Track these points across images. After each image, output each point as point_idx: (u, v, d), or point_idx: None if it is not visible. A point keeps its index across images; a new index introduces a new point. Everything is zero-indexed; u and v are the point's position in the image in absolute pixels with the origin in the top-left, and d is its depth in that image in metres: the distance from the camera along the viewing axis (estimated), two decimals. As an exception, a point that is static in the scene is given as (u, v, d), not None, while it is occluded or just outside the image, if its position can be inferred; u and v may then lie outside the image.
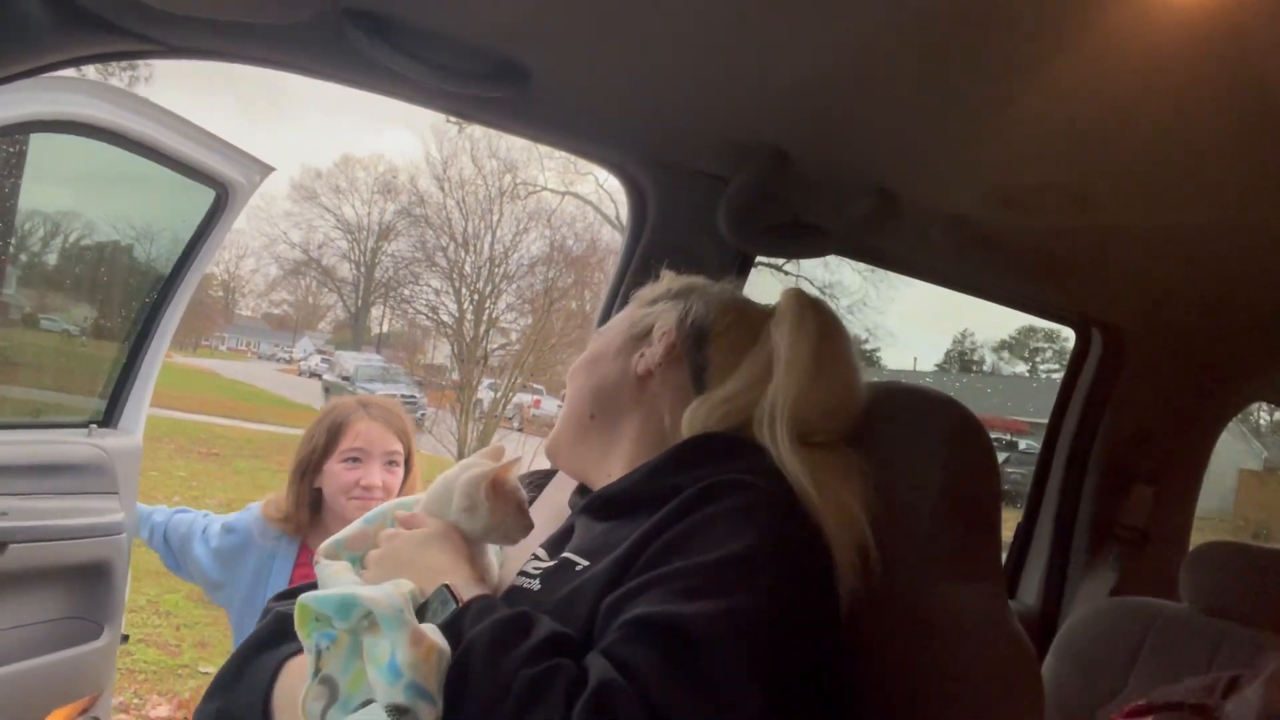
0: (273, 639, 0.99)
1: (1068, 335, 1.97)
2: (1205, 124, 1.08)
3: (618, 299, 1.52)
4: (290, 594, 1.12)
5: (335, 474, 1.87)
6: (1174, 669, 1.76)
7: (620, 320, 1.15)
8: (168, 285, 2.04)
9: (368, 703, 0.80)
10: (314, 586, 1.06)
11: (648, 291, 1.17)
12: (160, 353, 2.03)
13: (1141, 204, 1.36)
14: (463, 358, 10.86)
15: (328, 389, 11.27)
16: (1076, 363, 2.00)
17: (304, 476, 1.88)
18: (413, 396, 11.41)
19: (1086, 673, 1.88)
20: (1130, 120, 1.13)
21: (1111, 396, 1.96)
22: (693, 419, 1.03)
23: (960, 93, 1.14)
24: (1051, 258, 1.67)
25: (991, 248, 1.61)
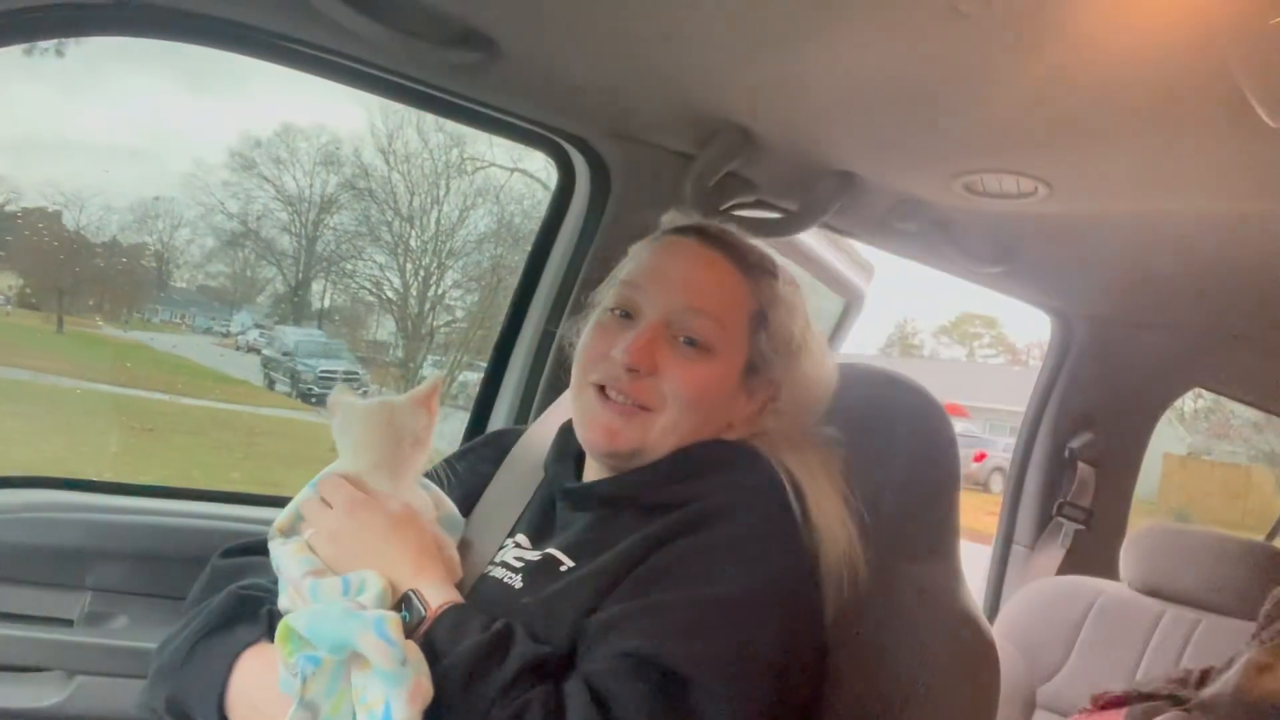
0: (224, 623, 0.95)
1: (1004, 321, 2.01)
2: (1169, 114, 1.09)
3: (579, 280, 1.50)
4: (238, 551, 1.07)
5: None
6: (1113, 647, 1.82)
7: (738, 338, 1.00)
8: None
9: None
10: (259, 548, 1.03)
11: (764, 299, 1.02)
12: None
13: (1090, 191, 1.39)
14: (408, 334, 10.73)
15: (267, 364, 11.03)
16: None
17: None
18: (355, 373, 11.23)
19: (1028, 651, 1.92)
20: (1093, 110, 1.14)
21: (1059, 380, 2.00)
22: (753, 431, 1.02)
23: (927, 79, 1.14)
24: (1005, 244, 1.70)
25: (949, 231, 1.63)
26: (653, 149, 1.44)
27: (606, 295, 1.05)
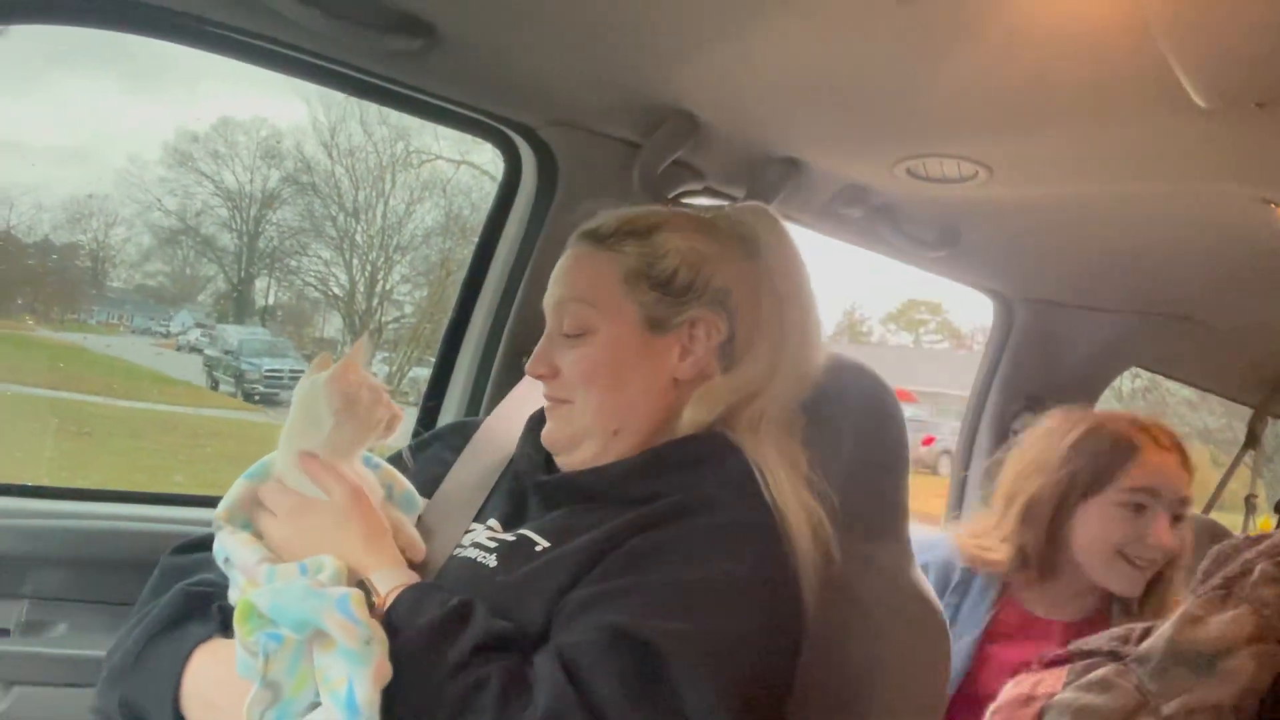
0: (174, 621, 0.93)
1: (949, 307, 2.05)
2: (1104, 97, 1.12)
3: (528, 270, 1.49)
4: (189, 548, 1.05)
5: (1103, 518, 1.41)
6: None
7: (615, 305, 1.01)
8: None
9: (314, 705, 0.77)
10: (208, 544, 1.01)
11: (634, 258, 1.02)
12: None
13: (1030, 173, 1.41)
14: (355, 331, 10.59)
15: (210, 364, 10.80)
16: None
17: (1053, 511, 1.43)
18: (301, 371, 10.97)
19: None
20: (1030, 94, 1.16)
21: (1001, 363, 2.04)
22: (698, 408, 1.00)
23: (870, 66, 1.15)
24: (947, 227, 1.72)
25: (893, 218, 1.65)
26: (599, 137, 1.44)
27: None
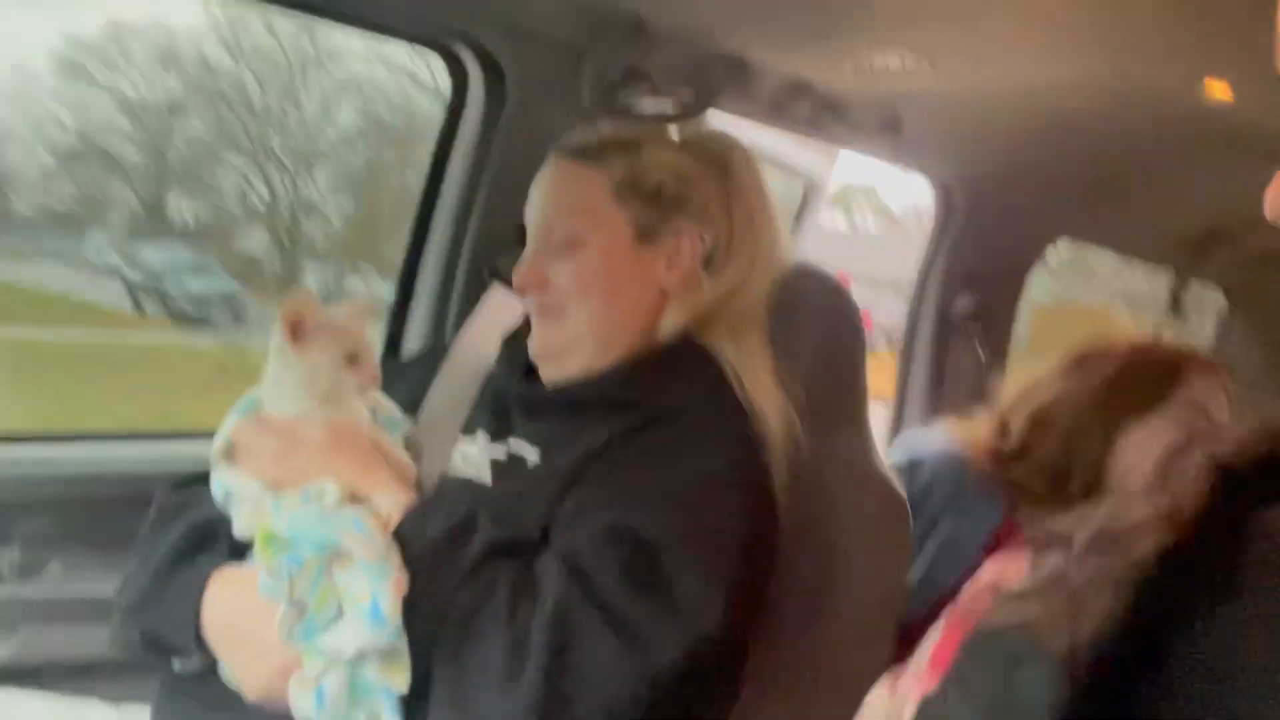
0: (186, 554, 0.97)
1: (882, 191, 2.10)
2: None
3: (483, 188, 1.48)
4: (185, 484, 1.08)
5: (1153, 439, 1.35)
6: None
7: (606, 218, 1.04)
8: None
9: (336, 619, 0.82)
10: (204, 479, 1.04)
11: (622, 171, 1.04)
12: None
13: (972, 63, 1.45)
14: (282, 245, 10.26)
15: (131, 288, 10.42)
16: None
17: (1103, 435, 1.37)
18: (231, 289, 10.75)
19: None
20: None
21: (943, 245, 2.12)
22: (679, 312, 1.05)
23: None
24: (890, 117, 1.75)
25: (839, 111, 1.67)
26: (545, 46, 1.42)
27: None
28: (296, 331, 0.97)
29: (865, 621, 1.11)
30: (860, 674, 1.11)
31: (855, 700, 1.11)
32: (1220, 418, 1.38)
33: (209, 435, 1.51)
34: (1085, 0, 1.17)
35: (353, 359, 0.98)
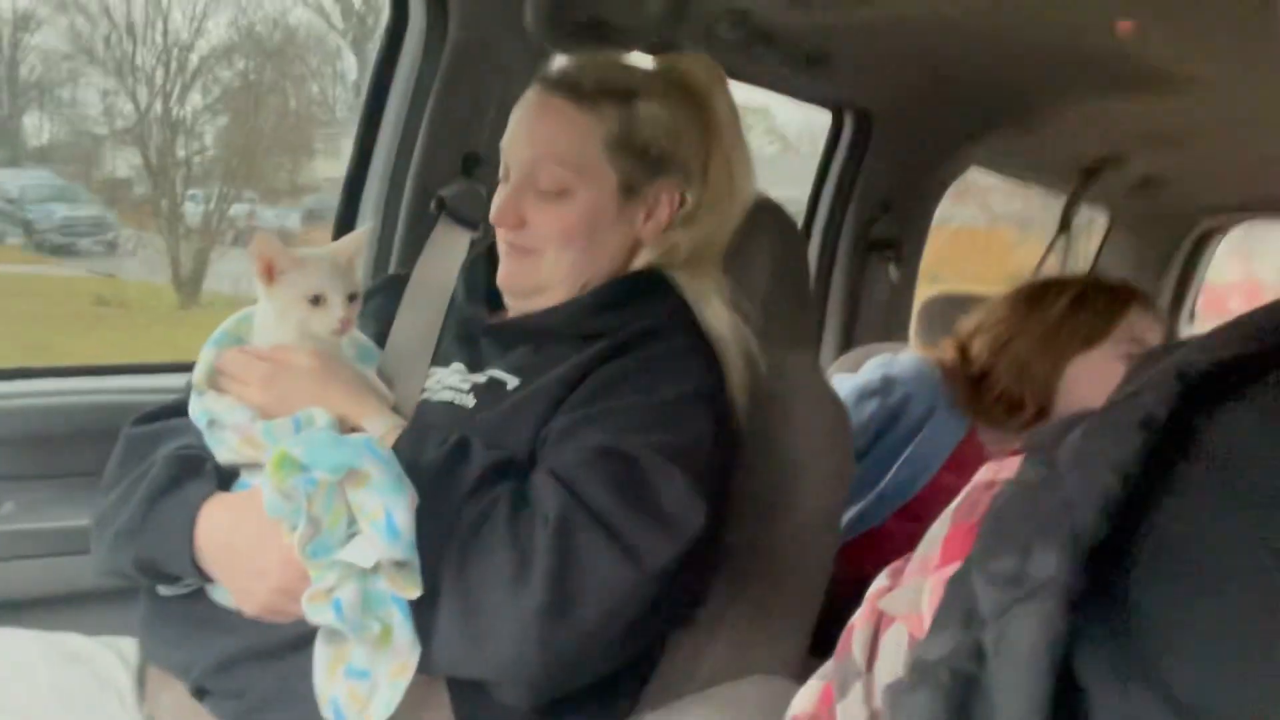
0: (175, 481, 0.99)
1: (776, 112, 2.15)
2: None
3: (424, 119, 1.48)
4: (149, 418, 1.09)
5: (1102, 370, 1.48)
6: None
7: (595, 170, 1.06)
8: None
9: (348, 536, 0.86)
10: (168, 412, 1.06)
11: (614, 123, 1.06)
12: None
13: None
14: (153, 169, 9.65)
15: (-11, 215, 9.61)
16: (831, 145, 2.22)
17: (1051, 365, 1.50)
18: (101, 217, 10.12)
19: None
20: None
21: (860, 173, 2.21)
22: (650, 254, 1.11)
23: None
24: (819, 49, 1.82)
25: (771, 41, 1.72)
26: (489, -29, 1.42)
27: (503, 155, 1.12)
28: (269, 271, 0.99)
29: (815, 524, 1.21)
30: (811, 571, 1.22)
31: (807, 595, 1.22)
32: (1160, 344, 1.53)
33: (160, 370, 1.50)
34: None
35: (316, 300, 1.00)
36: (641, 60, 1.19)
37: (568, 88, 1.07)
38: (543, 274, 1.09)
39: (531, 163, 1.07)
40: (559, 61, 1.14)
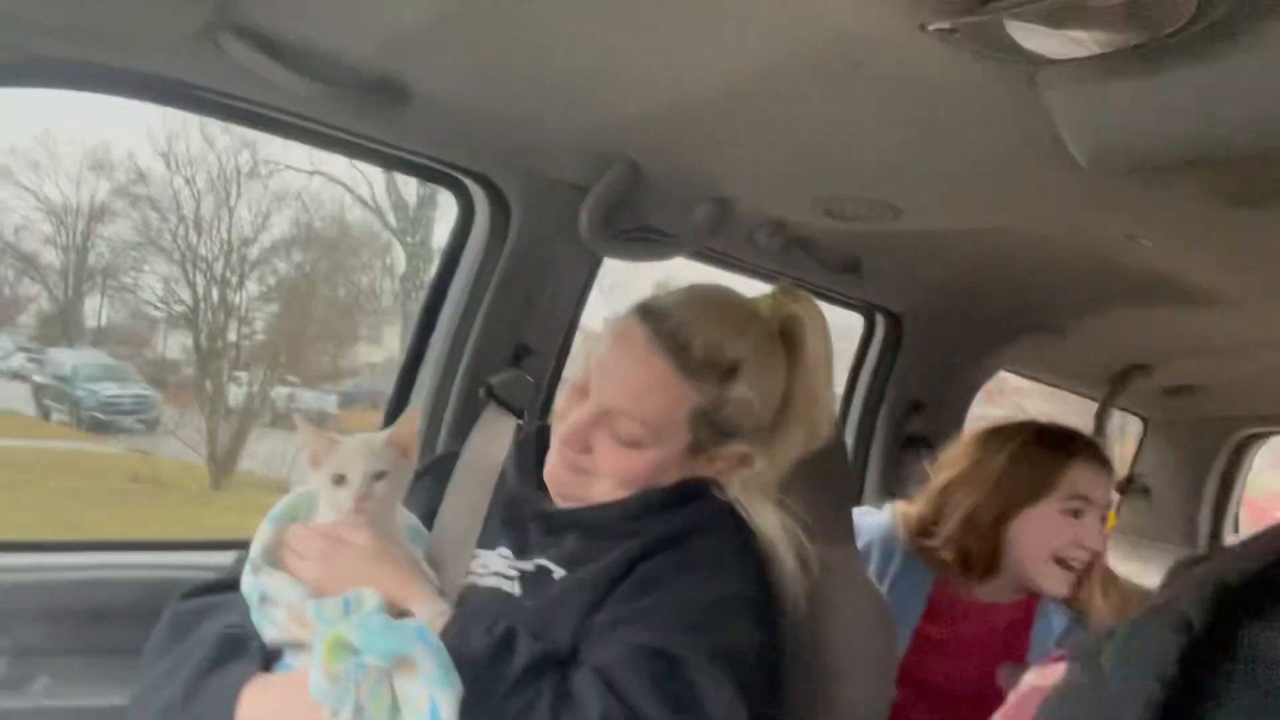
0: (219, 661, 0.99)
1: None
2: (999, 152, 1.31)
3: (482, 310, 1.57)
4: (197, 593, 1.10)
5: (1043, 524, 1.53)
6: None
7: (673, 434, 1.09)
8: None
9: None
10: (216, 588, 1.06)
11: (706, 400, 1.08)
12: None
13: (932, 213, 1.61)
14: (204, 352, 10.00)
15: (40, 392, 10.04)
16: (864, 345, 2.30)
17: (994, 519, 1.54)
18: (146, 396, 10.42)
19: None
20: (939, 149, 1.34)
21: (892, 373, 2.27)
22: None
23: (792, 119, 1.30)
24: (850, 255, 1.92)
25: (807, 247, 1.82)
26: (550, 183, 1.54)
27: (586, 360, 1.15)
28: (313, 458, 1.03)
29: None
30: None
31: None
32: (1103, 500, 1.54)
33: (197, 547, 1.52)
34: (1032, 168, 1.33)
35: (338, 480, 1.04)
36: (744, 288, 1.25)
37: (676, 350, 1.07)
38: (592, 490, 1.11)
39: (611, 400, 1.08)
40: (664, 305, 1.12)
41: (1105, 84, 1.04)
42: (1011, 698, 0.60)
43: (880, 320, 2.27)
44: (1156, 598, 0.55)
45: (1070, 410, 2.88)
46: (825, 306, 2.16)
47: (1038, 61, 1.00)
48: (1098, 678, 0.50)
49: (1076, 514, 1.53)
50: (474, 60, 1.20)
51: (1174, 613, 0.48)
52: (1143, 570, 2.07)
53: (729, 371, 1.08)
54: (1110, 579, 1.61)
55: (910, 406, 2.30)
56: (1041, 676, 0.59)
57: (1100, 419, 2.71)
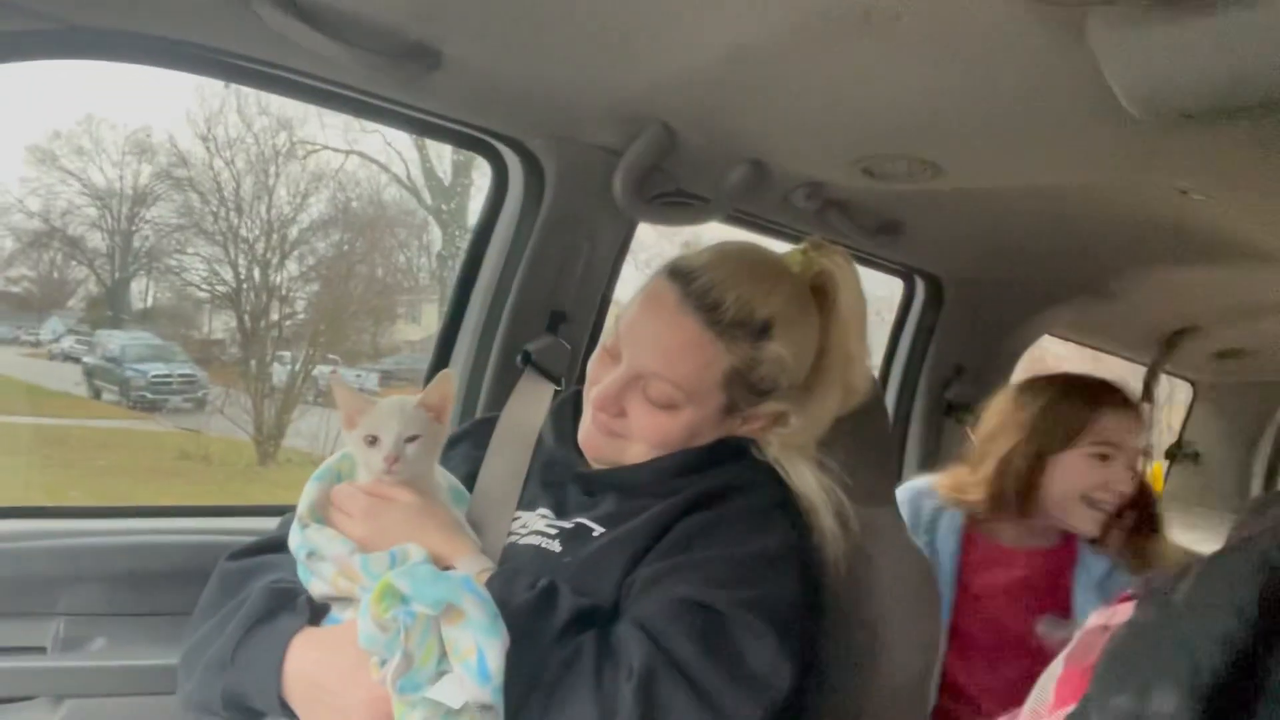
0: (267, 615, 1.01)
1: None
2: (1046, 105, 1.27)
3: (519, 274, 1.57)
4: (245, 553, 1.12)
5: (1073, 468, 1.62)
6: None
7: (706, 395, 1.07)
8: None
9: (438, 674, 0.86)
10: (264, 548, 1.09)
11: (740, 359, 1.05)
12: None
13: (976, 171, 1.58)
14: (246, 332, 10.16)
15: (90, 373, 10.25)
16: (904, 309, 2.26)
17: (1029, 465, 1.62)
18: (192, 375, 10.63)
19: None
20: (981, 104, 1.31)
21: (933, 336, 2.24)
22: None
23: (829, 76, 1.27)
24: (890, 217, 1.89)
25: (844, 209, 1.80)
26: (583, 148, 1.53)
27: (616, 322, 1.14)
28: (350, 418, 1.05)
29: (906, 688, 1.16)
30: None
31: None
32: (1130, 446, 1.63)
33: (249, 512, 1.55)
34: (1082, 121, 1.29)
35: (371, 441, 1.04)
36: (771, 244, 1.22)
37: (708, 309, 1.04)
38: (627, 453, 1.10)
39: (645, 363, 1.06)
40: (694, 265, 1.08)
41: (1157, 27, 1.01)
42: (1078, 635, 0.59)
43: (920, 284, 2.24)
44: (1234, 536, 0.53)
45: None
46: (863, 271, 2.16)
47: (1089, 2, 0.96)
48: (1170, 615, 0.48)
49: (1104, 458, 1.61)
50: (506, 23, 1.19)
51: (1255, 551, 0.46)
52: (1200, 540, 2.04)
53: (761, 330, 1.05)
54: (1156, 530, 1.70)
55: (952, 372, 2.27)
56: (1108, 616, 0.58)
57: (1149, 383, 2.66)
